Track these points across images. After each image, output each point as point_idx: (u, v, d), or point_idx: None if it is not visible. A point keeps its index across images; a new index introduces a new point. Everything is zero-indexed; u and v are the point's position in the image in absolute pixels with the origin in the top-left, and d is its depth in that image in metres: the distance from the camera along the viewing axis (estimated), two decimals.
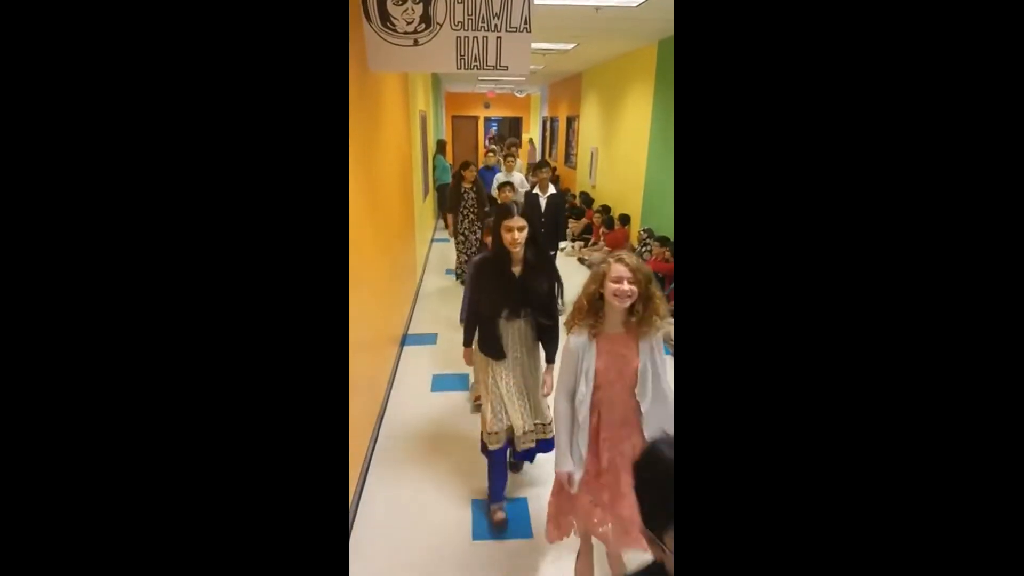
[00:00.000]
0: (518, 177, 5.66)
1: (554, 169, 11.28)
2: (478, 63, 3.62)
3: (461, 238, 5.23)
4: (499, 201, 4.15)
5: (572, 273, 6.05)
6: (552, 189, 4.61)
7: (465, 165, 5.15)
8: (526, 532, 2.23)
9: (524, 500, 2.42)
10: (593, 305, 1.59)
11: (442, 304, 4.98)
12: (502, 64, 3.71)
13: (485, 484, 2.51)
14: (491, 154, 6.92)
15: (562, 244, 5.14)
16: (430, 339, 4.20)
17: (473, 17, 2.84)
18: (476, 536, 2.21)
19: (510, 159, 5.91)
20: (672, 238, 5.10)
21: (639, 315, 1.55)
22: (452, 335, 4.28)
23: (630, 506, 1.55)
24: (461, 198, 5.15)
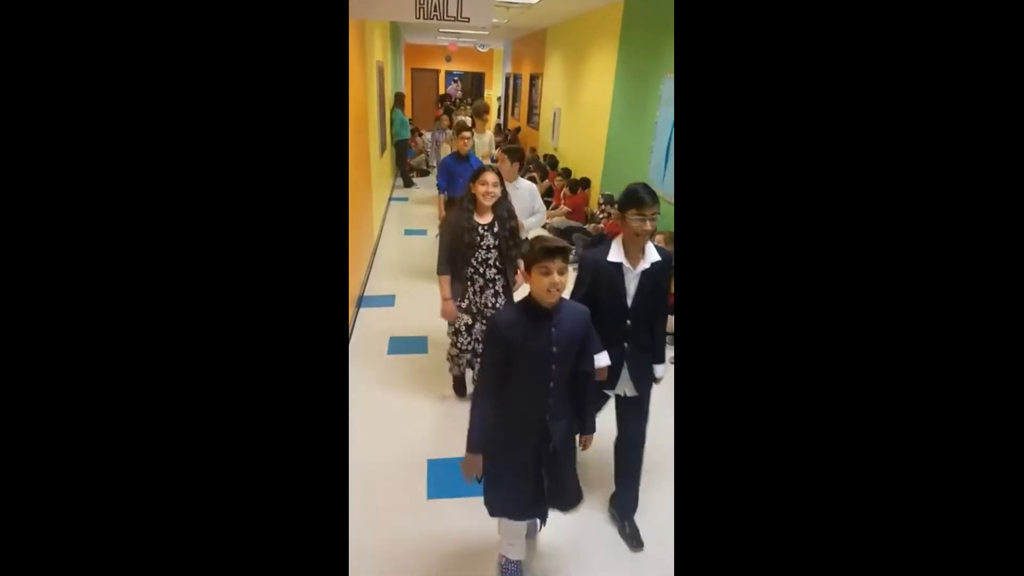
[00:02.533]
0: (526, 187, 3.18)
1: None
2: (438, 13, 3.46)
3: (464, 338, 2.63)
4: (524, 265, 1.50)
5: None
6: (653, 254, 1.84)
7: (478, 174, 2.39)
8: (480, 490, 2.29)
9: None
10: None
11: (400, 264, 4.90)
12: (463, 15, 3.57)
13: (440, 444, 2.54)
14: (465, 137, 4.04)
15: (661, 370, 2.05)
16: (388, 301, 4.14)
17: None
18: (431, 495, 2.25)
19: (511, 159, 3.08)
20: None
21: None
22: (410, 296, 4.23)
23: None
24: (473, 242, 2.40)
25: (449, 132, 5.79)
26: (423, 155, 8.75)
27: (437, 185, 4.32)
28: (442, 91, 15.12)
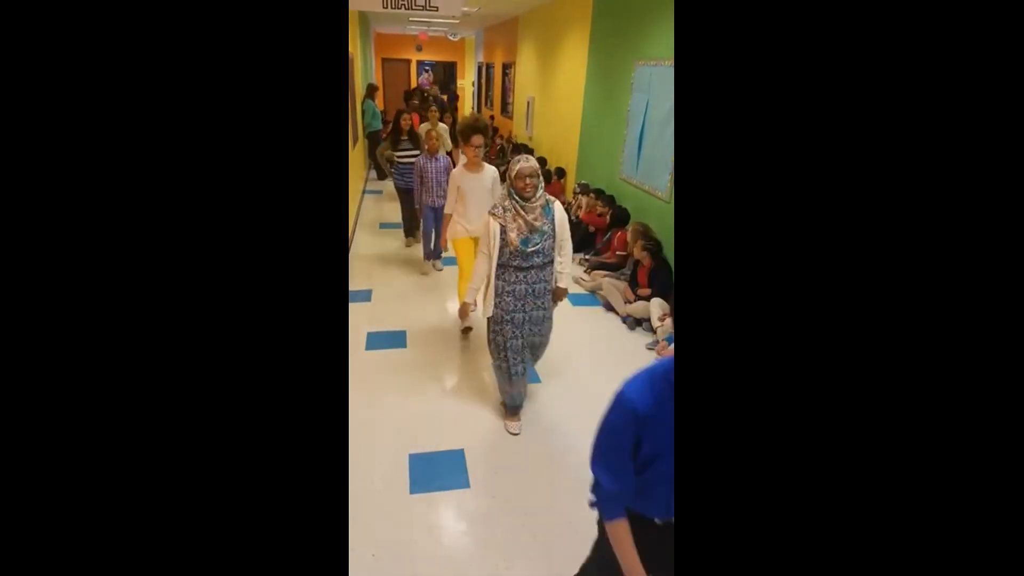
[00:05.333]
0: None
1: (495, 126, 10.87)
2: (406, 2, 3.40)
3: None
4: None
5: None
6: None
7: None
8: (463, 483, 2.29)
9: (461, 452, 2.47)
10: None
11: (376, 259, 4.85)
12: (432, 4, 3.52)
13: (421, 438, 2.54)
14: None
15: None
16: (364, 296, 4.10)
17: None
18: (414, 490, 2.24)
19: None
20: (605, 191, 5.16)
21: None
22: (387, 291, 4.19)
23: None
24: None
25: (440, 161, 4.06)
26: None
27: None
28: (414, 82, 14.89)
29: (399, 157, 4.94)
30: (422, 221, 4.55)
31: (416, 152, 4.74)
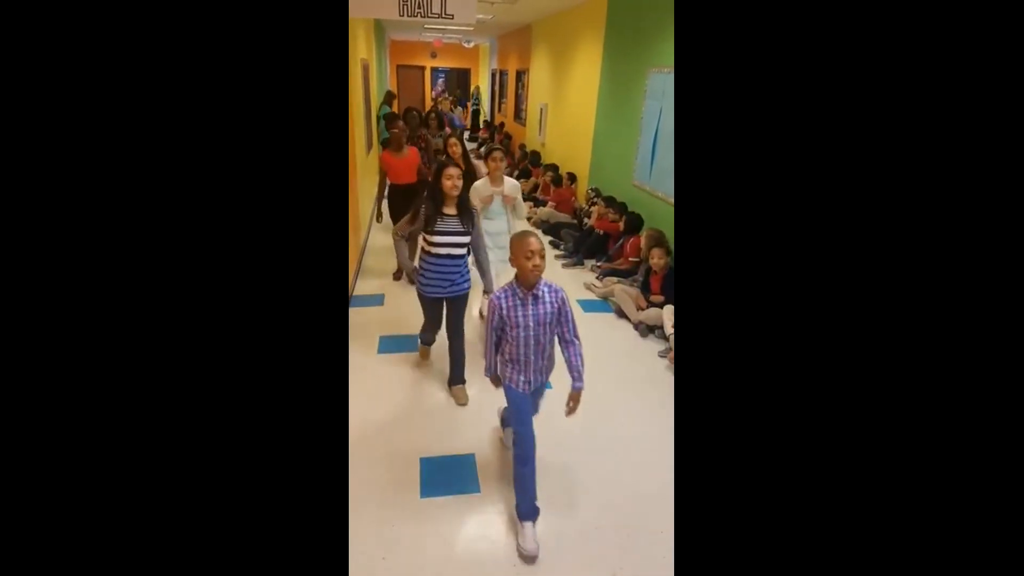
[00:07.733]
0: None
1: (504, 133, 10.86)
2: (422, 10, 3.44)
3: None
4: None
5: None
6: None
7: None
8: (474, 488, 2.29)
9: (472, 456, 2.47)
10: None
11: (389, 264, 4.88)
12: (447, 12, 3.55)
13: (432, 442, 2.55)
14: None
15: None
16: (377, 300, 4.13)
17: None
18: (425, 494, 2.25)
19: None
20: (617, 198, 5.15)
21: None
22: (399, 295, 4.22)
23: None
24: None
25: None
26: None
27: None
28: (428, 88, 14.97)
29: (431, 246, 2.52)
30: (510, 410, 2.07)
31: (466, 236, 2.51)
